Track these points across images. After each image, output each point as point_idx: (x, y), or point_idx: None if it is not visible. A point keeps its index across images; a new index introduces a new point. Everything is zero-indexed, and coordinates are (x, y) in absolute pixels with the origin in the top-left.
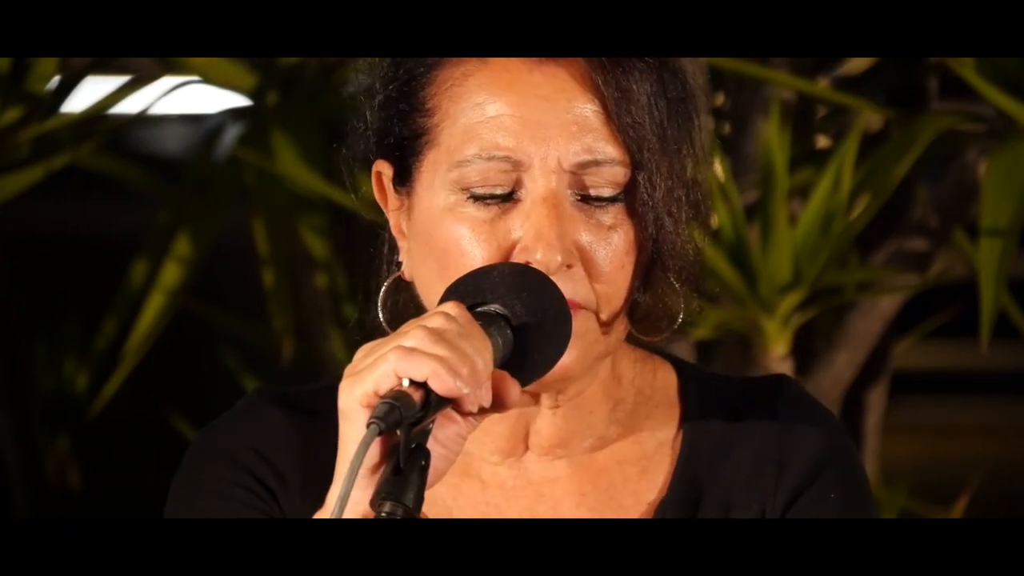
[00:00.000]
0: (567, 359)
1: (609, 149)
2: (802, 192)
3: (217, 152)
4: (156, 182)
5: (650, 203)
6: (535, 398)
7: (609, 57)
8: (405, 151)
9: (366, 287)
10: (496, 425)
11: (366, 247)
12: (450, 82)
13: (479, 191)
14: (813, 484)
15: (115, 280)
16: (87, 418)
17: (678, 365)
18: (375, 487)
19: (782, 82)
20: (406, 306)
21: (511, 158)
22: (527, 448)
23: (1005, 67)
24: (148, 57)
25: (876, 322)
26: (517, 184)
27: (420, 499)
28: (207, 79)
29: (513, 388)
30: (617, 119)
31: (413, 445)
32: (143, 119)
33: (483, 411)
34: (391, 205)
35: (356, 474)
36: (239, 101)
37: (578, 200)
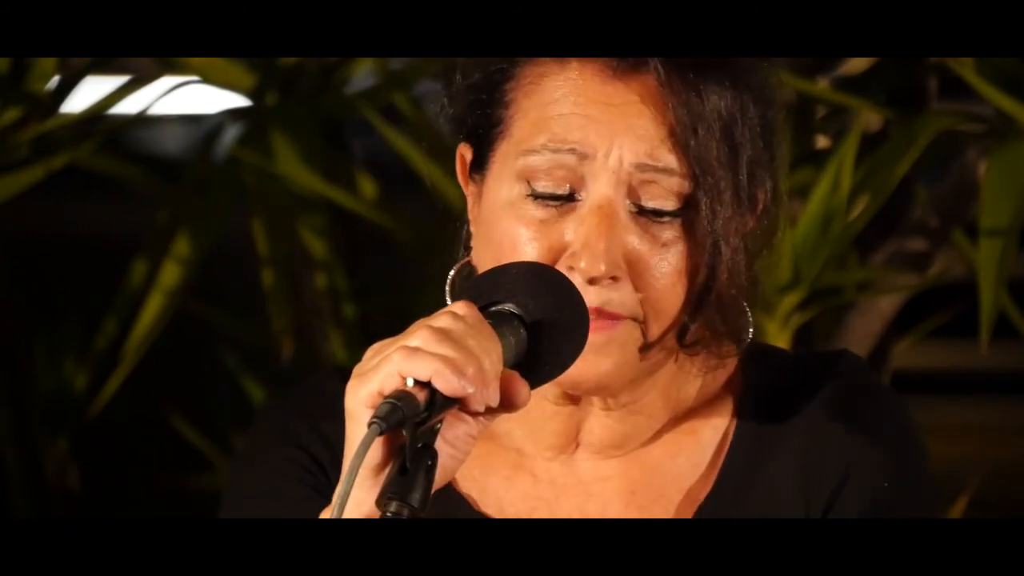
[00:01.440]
0: (605, 367)
1: (671, 159)
2: (802, 192)
3: (217, 152)
4: (156, 182)
5: (709, 225)
6: (581, 400)
7: (684, 78)
8: (481, 139)
9: (418, 270)
10: (548, 422)
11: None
12: (528, 79)
13: (540, 187)
14: (858, 471)
15: (115, 280)
16: (87, 418)
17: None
18: (381, 487)
19: (782, 82)
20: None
21: (577, 150)
22: (578, 445)
23: (1005, 67)
24: (148, 57)
25: (876, 322)
26: (578, 185)
27: (426, 499)
28: (206, 79)
29: (523, 389)
30: (683, 138)
31: (420, 445)
32: (143, 119)
33: (492, 411)
34: (469, 191)
35: (356, 473)
36: (238, 101)
37: (635, 212)
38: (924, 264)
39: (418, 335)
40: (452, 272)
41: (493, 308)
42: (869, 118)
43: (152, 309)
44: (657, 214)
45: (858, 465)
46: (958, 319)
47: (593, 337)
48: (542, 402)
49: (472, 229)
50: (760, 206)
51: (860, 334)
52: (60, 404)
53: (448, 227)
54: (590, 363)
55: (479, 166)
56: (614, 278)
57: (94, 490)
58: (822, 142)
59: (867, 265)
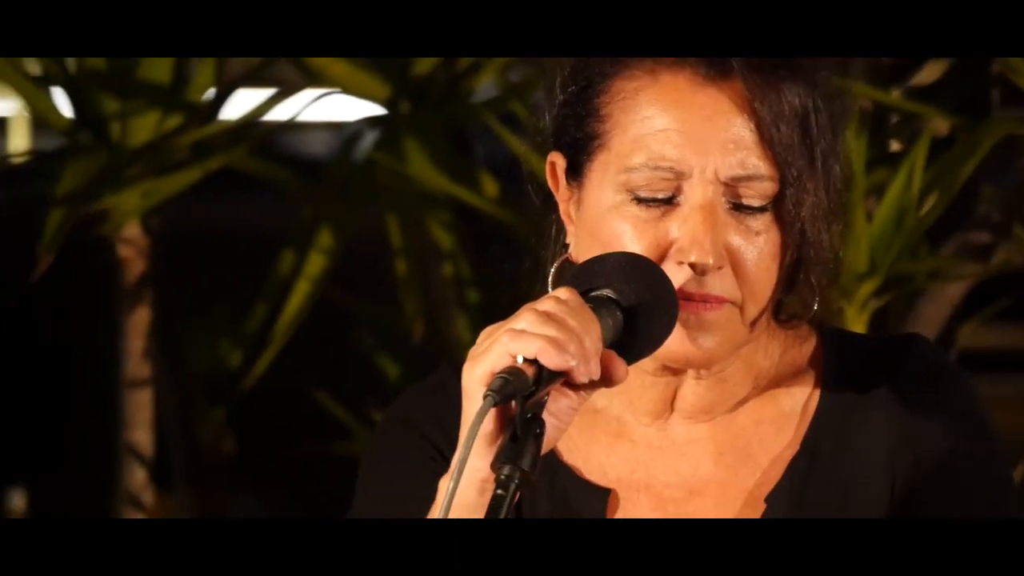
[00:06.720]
0: (709, 344)
1: (760, 165)
2: (878, 191)
3: (355, 155)
4: (301, 182)
5: (795, 215)
6: (680, 371)
7: (765, 79)
8: (578, 149)
9: (534, 260)
10: (647, 391)
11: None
12: (623, 94)
13: (643, 195)
14: (934, 454)
15: (265, 269)
16: (241, 391)
17: (821, 329)
18: (495, 453)
19: (860, 92)
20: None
21: (674, 168)
22: (673, 411)
23: None
24: (291, 57)
25: (944, 307)
26: (677, 190)
27: (535, 463)
28: (346, 90)
29: (620, 366)
30: (769, 139)
31: (529, 415)
32: (290, 126)
33: (593, 385)
34: (562, 194)
35: (472, 440)
36: (375, 110)
37: (731, 208)
38: (988, 255)
39: (524, 318)
40: (553, 267)
41: (593, 293)
42: (938, 124)
43: (299, 295)
44: (750, 210)
45: (929, 446)
46: (1018, 304)
47: (699, 318)
48: (641, 375)
49: (569, 227)
50: (833, 188)
51: (930, 318)
52: (217, 379)
53: (545, 225)
54: (697, 341)
55: (576, 174)
56: (720, 267)
57: (246, 454)
58: (895, 146)
59: (937, 255)
